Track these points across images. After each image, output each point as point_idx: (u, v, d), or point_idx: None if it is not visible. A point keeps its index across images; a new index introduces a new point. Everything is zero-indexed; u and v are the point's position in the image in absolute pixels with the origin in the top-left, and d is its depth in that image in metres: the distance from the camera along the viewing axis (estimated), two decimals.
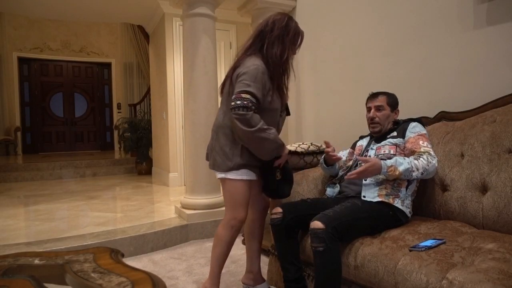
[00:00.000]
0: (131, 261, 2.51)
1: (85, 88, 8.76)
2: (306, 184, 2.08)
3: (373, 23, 2.69)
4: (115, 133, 8.17)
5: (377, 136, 1.92)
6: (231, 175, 1.77)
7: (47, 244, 2.48)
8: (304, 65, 3.41)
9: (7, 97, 7.84)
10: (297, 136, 3.56)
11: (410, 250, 1.35)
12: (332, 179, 2.04)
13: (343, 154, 2.11)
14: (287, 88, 1.88)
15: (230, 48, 4.96)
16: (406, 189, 1.71)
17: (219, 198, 3.19)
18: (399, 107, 1.95)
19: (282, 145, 1.76)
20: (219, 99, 1.95)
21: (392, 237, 1.52)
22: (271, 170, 1.81)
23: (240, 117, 1.63)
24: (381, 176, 1.70)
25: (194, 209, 3.12)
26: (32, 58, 8.13)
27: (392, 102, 1.91)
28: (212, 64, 3.18)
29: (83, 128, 8.78)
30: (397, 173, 1.60)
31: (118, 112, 8.81)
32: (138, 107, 7.31)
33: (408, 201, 1.71)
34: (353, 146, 2.09)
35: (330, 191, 1.93)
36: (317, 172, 2.14)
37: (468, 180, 1.67)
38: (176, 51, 4.73)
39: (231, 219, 1.81)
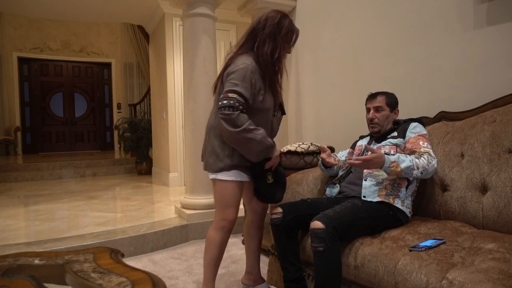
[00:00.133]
0: (131, 261, 2.51)
1: (85, 88, 8.76)
2: (306, 184, 2.08)
3: (373, 23, 2.69)
4: (115, 133, 8.17)
5: (377, 136, 1.92)
6: (222, 176, 1.74)
7: (47, 244, 2.48)
8: (304, 65, 3.41)
9: (7, 97, 7.84)
10: (297, 136, 3.56)
11: (410, 250, 1.35)
12: (332, 179, 2.04)
13: (342, 154, 2.11)
14: (281, 87, 1.84)
15: (230, 48, 4.96)
16: (406, 189, 1.71)
17: None
18: (399, 107, 1.95)
19: (271, 147, 1.71)
20: None
21: (392, 237, 1.52)
22: (262, 173, 1.77)
23: (225, 117, 1.60)
24: (380, 174, 1.70)
25: (194, 209, 3.12)
26: (32, 58, 8.14)
27: (391, 102, 1.91)
28: (212, 64, 3.19)
29: (83, 128, 8.78)
30: (398, 169, 1.59)
31: (118, 112, 8.81)
32: (138, 107, 7.31)
33: (408, 201, 1.71)
34: (353, 146, 2.09)
35: (330, 191, 1.93)
36: (317, 172, 2.14)
37: (468, 180, 1.67)
38: (176, 51, 4.73)
39: (221, 220, 1.79)
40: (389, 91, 1.96)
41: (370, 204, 1.67)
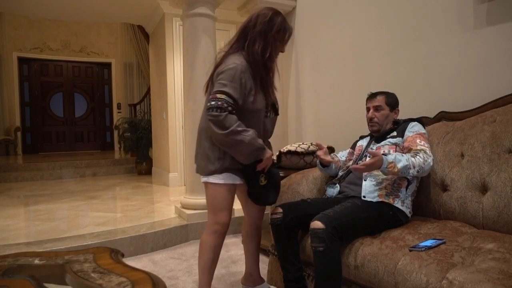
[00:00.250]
0: (131, 261, 2.51)
1: (85, 88, 8.76)
2: (306, 184, 2.08)
3: (373, 23, 2.69)
4: (115, 133, 8.17)
5: (377, 136, 1.92)
6: (213, 179, 1.70)
7: (47, 244, 2.48)
8: (304, 65, 3.41)
9: (7, 97, 7.84)
10: (297, 136, 3.56)
11: (410, 250, 1.35)
12: (332, 179, 2.04)
13: (342, 154, 2.11)
14: (274, 87, 1.79)
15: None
16: (406, 189, 1.71)
17: None
18: (399, 107, 1.95)
19: (261, 148, 1.65)
20: None
21: (392, 237, 1.52)
22: (255, 175, 1.71)
23: (213, 118, 1.56)
24: (380, 174, 1.70)
25: (194, 209, 3.12)
26: (32, 58, 8.14)
27: (391, 101, 1.91)
28: (212, 64, 3.18)
29: (83, 128, 8.78)
30: (396, 170, 1.59)
31: (118, 112, 8.81)
32: (138, 107, 7.32)
33: (408, 201, 1.71)
34: (353, 146, 2.09)
35: (330, 191, 1.93)
36: (317, 172, 2.14)
37: (468, 180, 1.67)
38: (176, 51, 4.73)
39: (213, 224, 1.74)
40: (389, 91, 1.96)
41: (370, 204, 1.67)
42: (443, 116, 2.08)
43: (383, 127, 1.90)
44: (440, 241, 1.37)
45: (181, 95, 4.69)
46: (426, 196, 1.83)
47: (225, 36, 4.92)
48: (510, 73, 1.88)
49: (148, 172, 6.13)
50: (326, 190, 1.97)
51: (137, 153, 6.30)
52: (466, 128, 1.81)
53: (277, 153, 2.65)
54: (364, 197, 1.72)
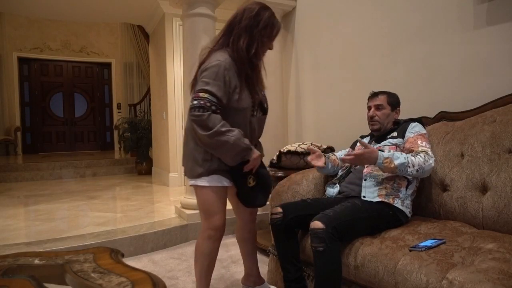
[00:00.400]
0: (131, 261, 2.51)
1: (85, 88, 8.76)
2: (306, 184, 2.08)
3: (373, 23, 2.69)
4: (115, 133, 8.17)
5: (378, 136, 1.92)
6: (202, 182, 1.62)
7: (47, 244, 2.49)
8: (304, 65, 3.41)
9: (7, 97, 7.84)
10: (297, 136, 3.56)
11: (410, 250, 1.35)
12: (332, 179, 2.04)
13: (341, 153, 2.11)
14: (261, 85, 1.72)
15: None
16: (406, 189, 1.71)
17: None
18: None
19: (247, 149, 1.58)
20: None
21: (392, 237, 1.52)
22: (243, 176, 1.65)
23: (196, 118, 1.50)
24: (380, 174, 1.70)
25: (194, 209, 3.12)
26: (32, 58, 8.14)
27: (393, 101, 1.91)
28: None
29: (83, 128, 8.78)
30: (392, 166, 1.58)
31: (118, 112, 8.81)
32: (138, 107, 7.32)
33: (408, 201, 1.71)
34: (353, 146, 2.09)
35: (330, 191, 1.93)
36: (317, 172, 2.14)
37: (468, 180, 1.67)
38: (176, 51, 4.73)
39: (207, 229, 1.68)
40: (390, 91, 1.96)
41: (370, 204, 1.67)
42: (443, 116, 2.08)
43: (384, 126, 1.90)
44: (440, 241, 1.37)
45: (181, 95, 4.69)
46: (426, 196, 1.83)
47: None
48: (510, 73, 1.88)
49: (148, 172, 6.13)
50: (326, 190, 1.97)
51: (137, 153, 6.30)
52: (466, 128, 1.81)
53: (277, 153, 2.65)
54: (364, 197, 1.72)
